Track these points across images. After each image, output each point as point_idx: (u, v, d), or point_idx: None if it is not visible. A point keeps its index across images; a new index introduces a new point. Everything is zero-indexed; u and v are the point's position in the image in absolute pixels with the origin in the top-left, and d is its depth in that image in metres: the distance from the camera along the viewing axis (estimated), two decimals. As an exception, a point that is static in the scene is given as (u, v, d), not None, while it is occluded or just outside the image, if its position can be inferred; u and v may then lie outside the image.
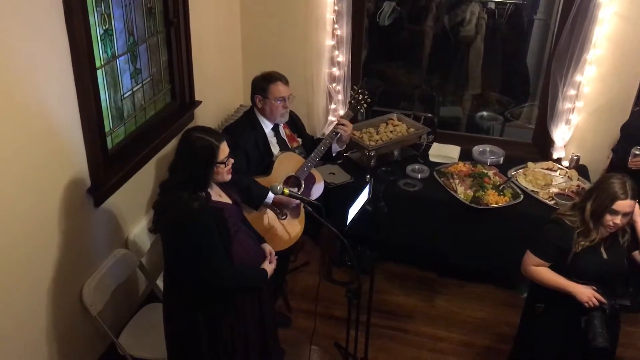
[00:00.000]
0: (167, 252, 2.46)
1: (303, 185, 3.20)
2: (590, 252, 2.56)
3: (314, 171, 3.27)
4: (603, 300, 2.54)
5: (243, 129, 3.12)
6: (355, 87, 3.41)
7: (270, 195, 2.95)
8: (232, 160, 2.41)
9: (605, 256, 2.58)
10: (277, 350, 2.91)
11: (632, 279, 3.13)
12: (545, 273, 2.67)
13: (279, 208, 3.10)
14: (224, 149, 2.35)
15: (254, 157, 3.08)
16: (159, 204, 2.42)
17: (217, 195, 2.46)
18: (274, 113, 3.11)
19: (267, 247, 2.67)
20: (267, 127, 3.16)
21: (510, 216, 3.55)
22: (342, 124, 3.28)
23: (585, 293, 2.55)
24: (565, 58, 3.75)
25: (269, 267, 2.58)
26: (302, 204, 3.10)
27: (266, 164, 3.11)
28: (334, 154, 3.41)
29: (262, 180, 3.01)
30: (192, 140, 2.31)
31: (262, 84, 3.09)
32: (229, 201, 2.50)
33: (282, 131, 3.23)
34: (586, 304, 2.55)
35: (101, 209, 2.92)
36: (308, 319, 3.55)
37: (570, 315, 2.63)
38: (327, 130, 4.27)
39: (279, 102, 3.08)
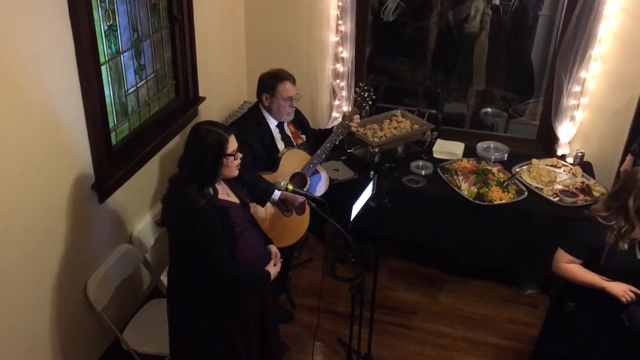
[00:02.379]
0: (172, 247, 2.47)
1: (309, 182, 3.20)
2: (624, 251, 2.54)
3: (319, 168, 3.27)
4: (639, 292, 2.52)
5: (249, 125, 3.12)
6: (360, 84, 3.41)
7: (277, 192, 2.95)
8: (240, 155, 2.41)
9: (639, 257, 2.55)
10: (278, 345, 2.91)
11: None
12: (577, 270, 2.64)
13: (285, 205, 3.10)
14: (233, 142, 2.36)
15: (260, 153, 3.08)
16: (167, 198, 2.43)
17: (225, 194, 2.46)
18: (280, 112, 3.11)
19: (273, 249, 2.66)
20: (273, 123, 3.16)
21: (514, 213, 3.54)
22: (354, 123, 3.28)
23: (621, 286, 2.53)
24: (570, 54, 3.74)
25: (273, 269, 2.57)
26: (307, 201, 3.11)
27: (272, 160, 3.11)
28: (336, 143, 3.40)
29: (268, 177, 3.01)
30: (202, 133, 2.32)
31: (271, 83, 3.07)
32: (236, 201, 2.50)
33: (287, 128, 3.23)
34: (622, 298, 2.52)
35: (105, 204, 2.93)
36: (311, 315, 3.55)
37: (601, 316, 2.61)
38: (331, 126, 4.26)
39: (286, 101, 3.08)
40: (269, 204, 3.05)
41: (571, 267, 2.66)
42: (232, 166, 2.39)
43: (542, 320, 3.66)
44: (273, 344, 2.77)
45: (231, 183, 2.52)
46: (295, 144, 3.24)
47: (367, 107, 3.49)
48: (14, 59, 2.25)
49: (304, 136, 3.32)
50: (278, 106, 3.09)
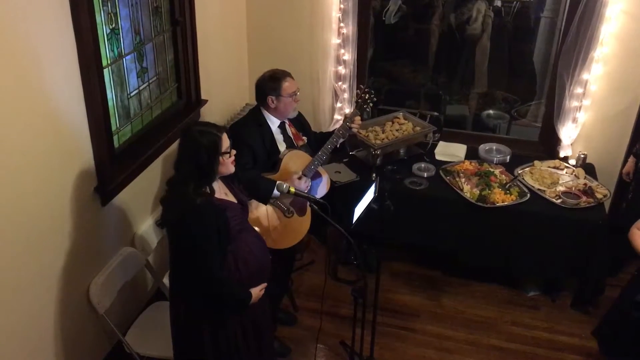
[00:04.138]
0: (171, 248, 2.48)
1: (310, 183, 3.20)
2: None
3: (320, 169, 3.28)
4: None
5: (249, 127, 3.12)
6: (361, 86, 3.41)
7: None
8: (234, 152, 2.42)
9: None
10: (272, 351, 2.91)
11: None
12: (638, 238, 2.88)
13: (286, 205, 3.11)
14: (225, 140, 2.37)
15: (261, 155, 3.08)
16: (165, 199, 2.44)
17: (223, 193, 2.47)
18: (287, 109, 3.12)
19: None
20: (274, 124, 3.17)
21: (517, 215, 3.54)
22: (353, 122, 3.28)
23: None
24: (572, 56, 3.74)
25: (256, 293, 2.52)
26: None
27: (273, 161, 3.11)
28: (337, 145, 3.41)
29: (269, 178, 3.01)
30: (194, 134, 2.33)
31: (273, 84, 3.07)
32: (234, 200, 2.51)
33: (289, 129, 3.24)
34: None
35: (108, 207, 2.93)
36: (314, 317, 3.56)
37: None
38: (333, 128, 4.26)
39: (291, 97, 3.09)
40: (270, 206, 3.05)
41: (638, 233, 2.88)
42: (227, 163, 2.40)
43: (545, 321, 3.69)
44: (265, 352, 2.75)
45: (228, 183, 2.53)
46: (296, 145, 3.24)
47: (368, 109, 3.50)
48: (16, 62, 2.26)
49: (305, 137, 3.32)
50: (285, 104, 3.10)
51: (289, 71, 3.14)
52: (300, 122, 3.36)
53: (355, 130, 3.32)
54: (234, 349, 2.56)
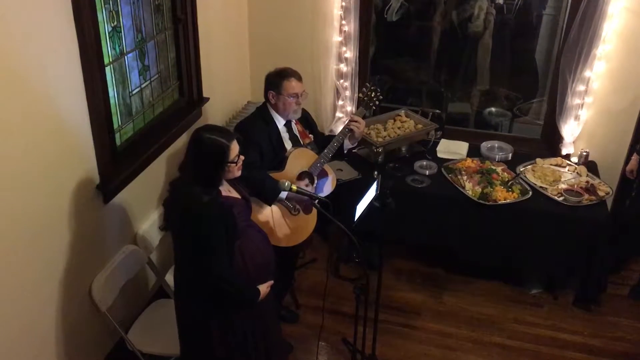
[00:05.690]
0: (177, 247, 2.47)
1: (316, 181, 3.20)
2: None
3: (326, 167, 3.27)
4: None
5: (256, 124, 3.12)
6: (367, 84, 3.40)
7: (285, 192, 2.95)
8: (242, 158, 2.41)
9: None
10: (280, 347, 2.91)
11: None
12: None
13: (292, 203, 3.10)
14: (234, 148, 2.34)
15: (267, 152, 3.08)
16: (169, 201, 2.43)
17: (227, 190, 2.47)
18: (287, 109, 3.11)
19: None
20: (280, 122, 3.16)
21: (519, 212, 3.54)
22: (355, 121, 3.27)
23: None
24: (574, 53, 3.73)
25: (264, 290, 2.52)
26: (313, 200, 3.10)
27: (279, 159, 3.11)
28: (345, 151, 3.40)
29: (275, 176, 3.01)
30: (202, 140, 2.31)
31: (276, 80, 3.08)
32: (238, 196, 2.51)
33: (295, 127, 3.24)
34: None
35: (110, 205, 2.93)
36: (316, 315, 3.55)
37: None
38: (335, 126, 4.27)
39: (292, 98, 3.08)
40: (275, 205, 3.05)
41: None
42: (234, 170, 2.39)
43: (547, 319, 3.68)
44: (275, 347, 2.75)
45: (231, 180, 2.52)
46: (302, 143, 3.24)
47: (373, 108, 3.49)
48: (19, 60, 2.26)
49: (311, 135, 3.32)
50: (284, 103, 3.09)
51: (298, 71, 3.12)
52: (306, 120, 3.36)
53: (354, 128, 3.29)
54: (243, 347, 2.56)
